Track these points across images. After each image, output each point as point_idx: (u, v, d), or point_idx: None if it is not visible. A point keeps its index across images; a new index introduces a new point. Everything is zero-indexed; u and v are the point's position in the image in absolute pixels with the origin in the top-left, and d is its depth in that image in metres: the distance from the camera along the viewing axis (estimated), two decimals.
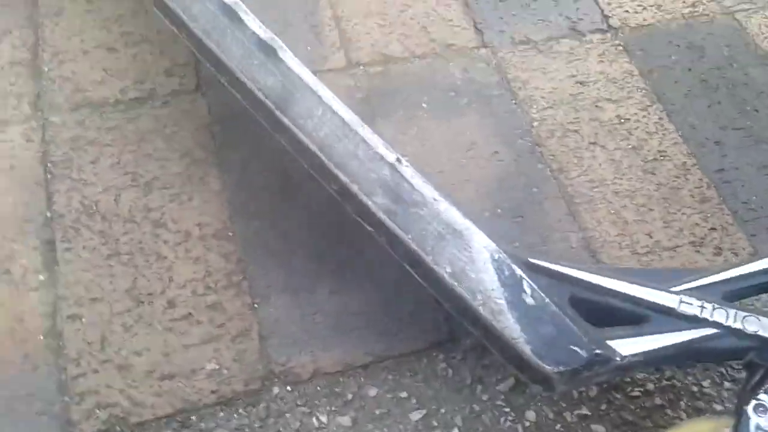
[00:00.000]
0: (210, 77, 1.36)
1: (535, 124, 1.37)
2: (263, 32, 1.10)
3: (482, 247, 0.95)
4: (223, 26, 1.11)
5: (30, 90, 1.35)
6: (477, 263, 0.94)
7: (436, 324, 1.15)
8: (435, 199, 0.98)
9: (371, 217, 1.01)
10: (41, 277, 1.15)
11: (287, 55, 1.09)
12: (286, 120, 1.06)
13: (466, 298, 0.93)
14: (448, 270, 0.94)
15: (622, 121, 1.39)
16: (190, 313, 1.13)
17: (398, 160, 1.01)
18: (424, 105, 1.37)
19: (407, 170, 1.00)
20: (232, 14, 1.11)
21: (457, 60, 1.45)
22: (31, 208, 1.21)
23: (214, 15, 1.12)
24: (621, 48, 1.50)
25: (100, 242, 1.18)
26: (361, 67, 1.42)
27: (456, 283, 0.93)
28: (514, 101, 1.40)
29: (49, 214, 1.21)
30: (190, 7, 1.14)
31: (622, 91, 1.43)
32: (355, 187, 1.01)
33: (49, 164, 1.26)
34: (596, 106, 1.41)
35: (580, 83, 1.43)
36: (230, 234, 1.21)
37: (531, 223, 1.25)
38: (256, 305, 1.15)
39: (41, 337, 1.10)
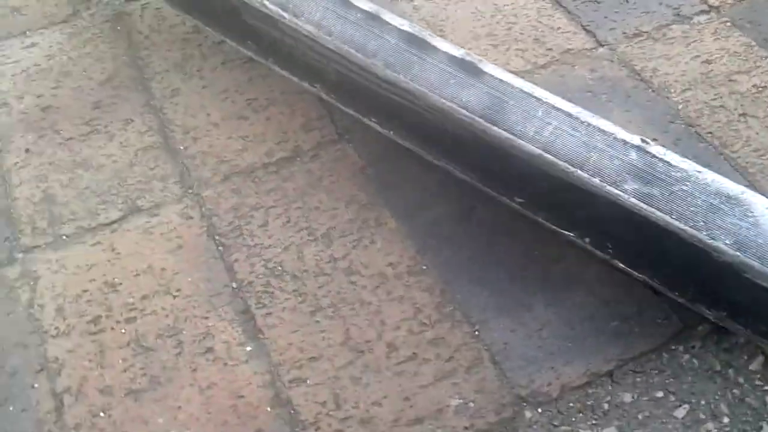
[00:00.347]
0: (348, 124, 1.35)
1: (680, 106, 1.36)
2: (456, 50, 1.08)
3: (765, 209, 0.91)
4: (408, 56, 1.09)
5: (172, 170, 1.32)
6: (763, 227, 0.89)
7: (666, 316, 1.10)
8: (699, 171, 0.95)
9: (616, 208, 0.97)
10: (248, 348, 1.09)
11: (488, 66, 1.07)
12: (498, 131, 1.03)
13: (754, 266, 0.88)
14: (728, 241, 0.90)
15: (760, 89, 1.38)
16: (414, 353, 1.07)
17: (643, 140, 0.98)
18: None
19: (658, 149, 0.97)
20: (418, 42, 1.09)
21: (581, 62, 1.45)
22: (213, 283, 1.16)
23: (396, 47, 1.10)
24: (729, 24, 1.50)
25: (298, 301, 1.13)
26: None
27: (739, 253, 0.89)
28: (651, 90, 1.39)
29: (234, 285, 1.16)
30: (365, 45, 1.12)
31: (748, 62, 1.43)
32: (596, 180, 0.97)
33: (217, 237, 1.22)
34: (730, 80, 1.40)
35: (707, 62, 1.43)
36: (424, 268, 1.16)
37: None
38: (477, 332, 1.09)
39: (268, 409, 1.04)
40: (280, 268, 1.17)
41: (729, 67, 1.42)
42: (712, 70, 1.42)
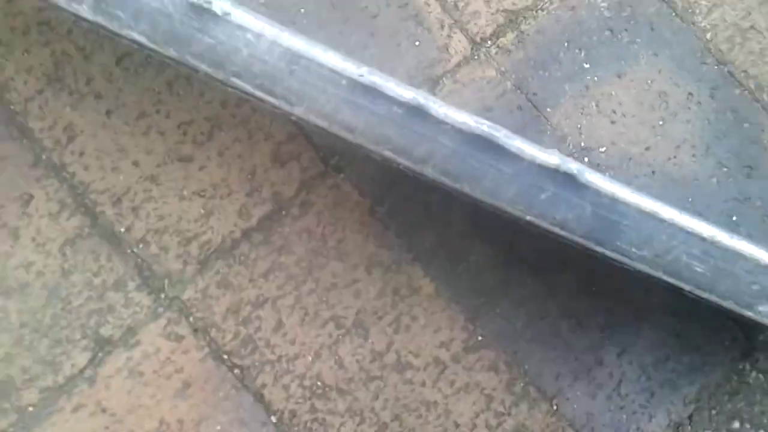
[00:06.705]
0: (330, 143, 1.03)
1: (708, 35, 1.14)
2: (546, 155, 0.82)
3: None
4: (477, 163, 0.82)
5: (124, 268, 0.99)
6: None
7: (733, 336, 1.06)
8: None
9: None
10: None
11: (594, 177, 0.83)
12: (608, 252, 0.86)
13: None
14: None
15: None
16: None
17: None
18: (586, 65, 1.10)
19: None
20: (488, 144, 0.82)
21: None
22: (249, 425, 0.97)
23: (454, 152, 0.82)
24: None
25: (356, 423, 0.98)
26: (488, 45, 1.10)
27: None
28: (674, 13, 1.14)
29: (274, 419, 0.97)
30: (411, 151, 0.82)
31: None
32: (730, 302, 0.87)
33: (226, 357, 0.98)
34: None
35: None
36: (480, 338, 1.02)
37: (765, 171, 1.10)
38: (556, 407, 1.02)
39: None
40: (319, 383, 0.98)
41: None
42: None
